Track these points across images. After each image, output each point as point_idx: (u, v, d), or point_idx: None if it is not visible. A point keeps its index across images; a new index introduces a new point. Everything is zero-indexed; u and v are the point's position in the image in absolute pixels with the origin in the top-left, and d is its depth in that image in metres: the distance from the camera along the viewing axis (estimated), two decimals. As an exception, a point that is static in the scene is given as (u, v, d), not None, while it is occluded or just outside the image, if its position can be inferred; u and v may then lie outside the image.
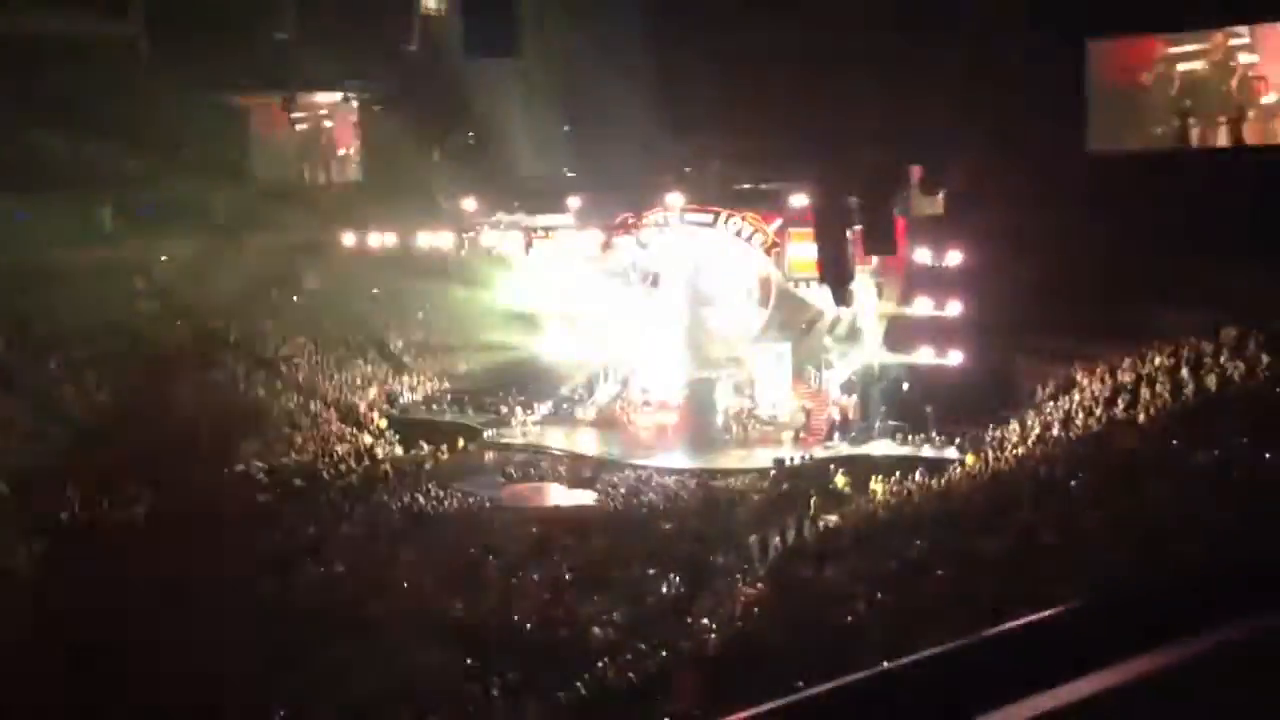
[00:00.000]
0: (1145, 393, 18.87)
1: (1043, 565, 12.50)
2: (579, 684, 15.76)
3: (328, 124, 36.12)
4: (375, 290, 34.95)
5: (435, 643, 17.41)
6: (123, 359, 28.81)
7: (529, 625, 18.08)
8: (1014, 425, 22.64)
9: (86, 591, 18.54)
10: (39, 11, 29.23)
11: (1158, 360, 20.06)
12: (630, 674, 16.09)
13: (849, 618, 14.18)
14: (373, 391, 31.45)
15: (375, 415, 30.19)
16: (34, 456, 24.02)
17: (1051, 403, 22.28)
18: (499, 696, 15.74)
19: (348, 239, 33.48)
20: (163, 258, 33.49)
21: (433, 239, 31.73)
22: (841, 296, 24.88)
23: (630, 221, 28.69)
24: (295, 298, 34.91)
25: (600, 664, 16.40)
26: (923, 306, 26.69)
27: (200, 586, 18.54)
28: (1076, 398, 21.23)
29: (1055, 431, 20.15)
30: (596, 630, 17.53)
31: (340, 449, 27.67)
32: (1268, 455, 12.38)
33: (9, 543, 20.82)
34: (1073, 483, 15.65)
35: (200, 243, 33.50)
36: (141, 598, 17.60)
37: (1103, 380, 21.24)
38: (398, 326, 34.69)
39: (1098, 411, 19.61)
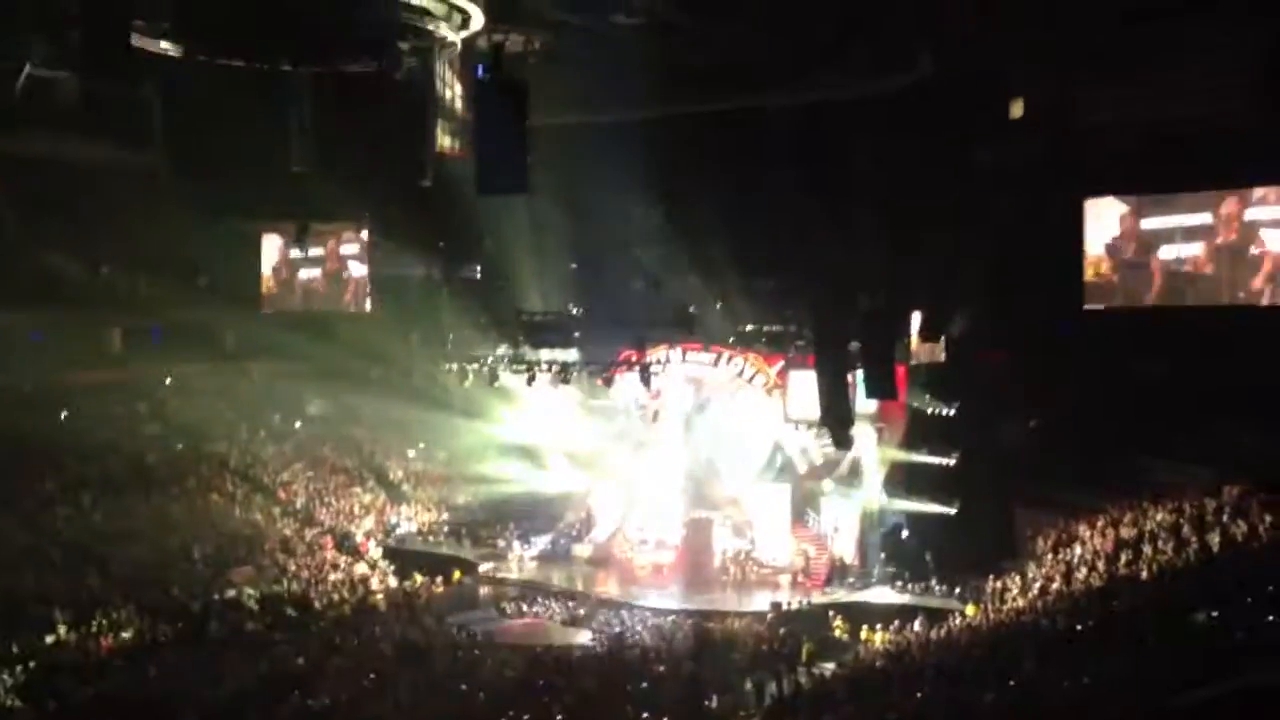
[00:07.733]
0: (1148, 549, 18.75)
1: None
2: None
3: (339, 253, 36.75)
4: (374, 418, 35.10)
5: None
6: (120, 480, 28.74)
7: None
8: (1015, 576, 22.42)
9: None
10: (59, 136, 30.01)
11: (1160, 516, 19.98)
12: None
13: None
14: (369, 520, 31.27)
15: (371, 544, 29.97)
16: (23, 577, 23.71)
17: (1052, 555, 22.12)
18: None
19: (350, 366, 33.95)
20: (167, 380, 33.68)
21: (436, 369, 32.01)
22: (841, 439, 25.04)
23: (633, 359, 28.96)
24: (298, 424, 35.01)
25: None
26: (922, 453, 26.82)
27: (185, 715, 18.26)
28: (1078, 551, 21.08)
29: (1056, 585, 19.95)
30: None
31: (334, 578, 27.35)
32: (1270, 618, 12.28)
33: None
34: (1074, 639, 15.45)
35: (206, 366, 33.82)
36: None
37: (1104, 534, 21.12)
38: (398, 455, 34.70)
39: (1100, 566, 19.45)
